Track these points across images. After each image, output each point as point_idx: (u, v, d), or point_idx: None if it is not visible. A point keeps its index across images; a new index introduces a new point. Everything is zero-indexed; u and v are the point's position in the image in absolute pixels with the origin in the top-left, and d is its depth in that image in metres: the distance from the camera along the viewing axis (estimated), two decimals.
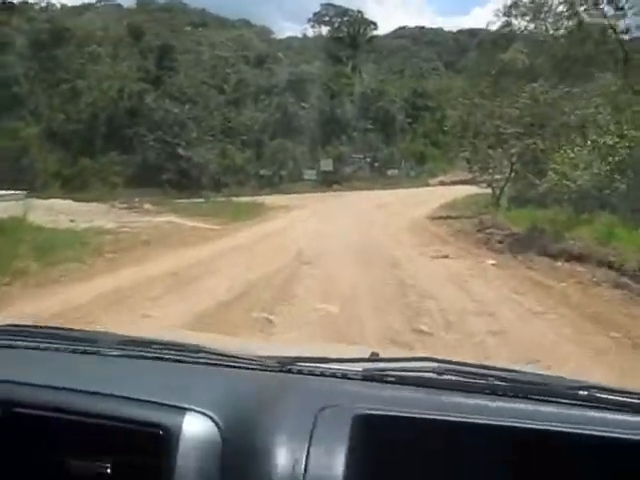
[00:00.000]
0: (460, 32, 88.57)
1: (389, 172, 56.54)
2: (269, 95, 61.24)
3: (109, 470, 1.44)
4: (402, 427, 1.45)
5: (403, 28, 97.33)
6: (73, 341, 1.83)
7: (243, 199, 39.38)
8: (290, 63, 66.87)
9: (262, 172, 54.21)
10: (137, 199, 30.58)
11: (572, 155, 17.64)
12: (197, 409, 1.44)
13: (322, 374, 1.68)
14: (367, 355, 1.89)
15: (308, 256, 14.80)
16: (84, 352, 1.78)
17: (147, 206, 27.46)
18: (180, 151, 52.39)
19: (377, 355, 1.90)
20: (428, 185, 54.25)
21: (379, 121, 59.95)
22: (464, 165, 55.52)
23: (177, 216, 24.01)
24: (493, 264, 13.83)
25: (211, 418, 1.43)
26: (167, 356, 1.75)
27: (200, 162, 52.33)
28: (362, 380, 1.64)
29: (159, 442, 1.38)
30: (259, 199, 39.70)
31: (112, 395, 1.49)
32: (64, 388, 1.52)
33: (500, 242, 16.50)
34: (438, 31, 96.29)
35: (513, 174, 28.07)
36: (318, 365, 1.71)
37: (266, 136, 57.26)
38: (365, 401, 1.51)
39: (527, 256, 14.16)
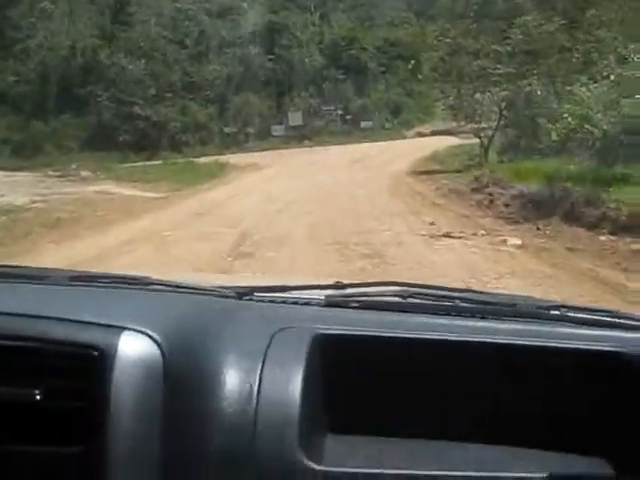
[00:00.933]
0: None
1: (362, 124, 52.94)
2: (233, 47, 57.29)
3: (38, 396, 1.28)
4: (364, 346, 1.41)
5: None
6: (23, 277, 1.75)
7: (205, 159, 36.44)
8: (255, 14, 63.04)
9: (227, 130, 50.75)
10: (75, 165, 26.87)
11: (588, 94, 14.19)
12: (136, 328, 1.35)
13: (282, 302, 1.62)
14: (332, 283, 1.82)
15: (256, 243, 11.11)
16: (34, 286, 1.67)
17: (85, 173, 23.87)
18: (137, 110, 48.78)
19: (341, 283, 1.80)
20: (405, 137, 51.20)
21: (350, 70, 56.13)
22: (442, 115, 54.23)
23: (117, 184, 20.67)
24: (519, 246, 9.96)
25: (151, 337, 1.34)
26: (118, 287, 1.69)
27: (159, 121, 48.92)
28: (324, 306, 1.58)
29: (93, 364, 1.29)
30: (223, 159, 36.76)
31: (41, 317, 1.38)
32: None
33: (507, 205, 13.06)
34: None
35: (503, 121, 24.77)
36: (279, 294, 1.65)
37: (230, 91, 53.53)
38: (326, 323, 1.44)
39: (556, 228, 10.67)
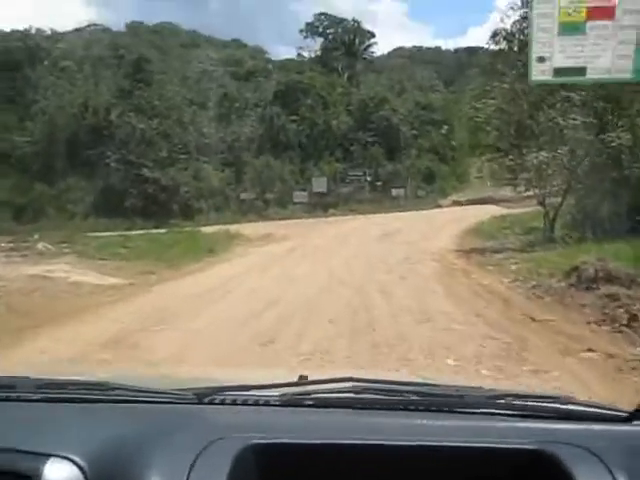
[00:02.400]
0: (458, 50, 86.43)
1: (394, 192, 48.14)
2: (254, 109, 53.29)
3: None
4: (304, 453, 1.43)
5: (400, 48, 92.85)
6: None
7: (212, 229, 31.46)
8: (280, 75, 59.38)
9: (244, 195, 46.08)
10: (36, 235, 21.94)
11: None
12: (61, 454, 1.35)
13: (243, 403, 1.64)
14: (295, 378, 1.83)
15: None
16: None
17: (42, 246, 18.86)
18: (146, 172, 44.39)
19: (305, 377, 1.82)
20: (440, 206, 46.58)
21: (380, 133, 51.74)
22: (476, 182, 52.11)
23: (77, 262, 15.81)
24: None
25: (76, 463, 1.34)
26: (81, 396, 1.69)
27: (169, 185, 44.52)
28: (280, 406, 1.62)
29: None
30: (234, 228, 31.57)
31: None
32: None
33: None
34: (436, 50, 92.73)
35: (576, 184, 19.64)
36: (239, 393, 1.67)
37: (250, 154, 49.21)
38: (274, 429, 1.48)
39: None
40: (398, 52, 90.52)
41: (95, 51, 55.95)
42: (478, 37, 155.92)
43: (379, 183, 49.11)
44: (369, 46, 71.27)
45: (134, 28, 71.30)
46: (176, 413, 1.62)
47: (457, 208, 43.95)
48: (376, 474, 1.42)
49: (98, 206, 44.71)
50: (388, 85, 63.00)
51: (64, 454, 1.34)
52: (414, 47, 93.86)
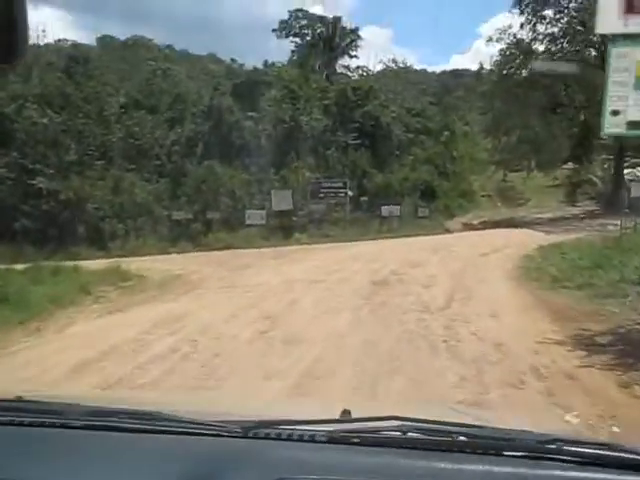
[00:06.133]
0: (443, 73, 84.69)
1: (385, 210, 35.36)
2: (201, 103, 41.04)
3: None
4: None
5: (386, 69, 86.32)
6: (35, 413, 1.80)
7: (98, 264, 20.29)
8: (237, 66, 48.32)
9: (177, 215, 33.34)
10: None
11: None
12: None
13: (288, 438, 1.65)
14: (338, 412, 1.85)
15: None
16: (50, 425, 1.75)
17: None
18: (40, 182, 31.89)
19: (348, 413, 1.85)
20: (448, 231, 34.38)
21: (366, 134, 39.56)
22: (484, 202, 47.21)
23: None
24: None
25: None
26: (131, 426, 1.73)
27: (72, 199, 31.93)
28: (327, 443, 1.62)
29: None
30: (137, 264, 20.39)
31: None
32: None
33: None
34: (421, 72, 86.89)
35: None
36: (285, 427, 1.68)
37: (191, 160, 36.62)
38: (325, 468, 1.49)
39: None
40: (383, 72, 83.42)
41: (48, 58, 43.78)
42: (462, 62, 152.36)
43: (364, 198, 36.35)
44: (352, 42, 60.00)
45: (104, 43, 62.41)
46: (226, 447, 1.62)
47: (472, 233, 32.10)
48: None
49: None
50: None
51: None
52: (400, 68, 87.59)
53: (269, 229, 32.90)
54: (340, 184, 35.11)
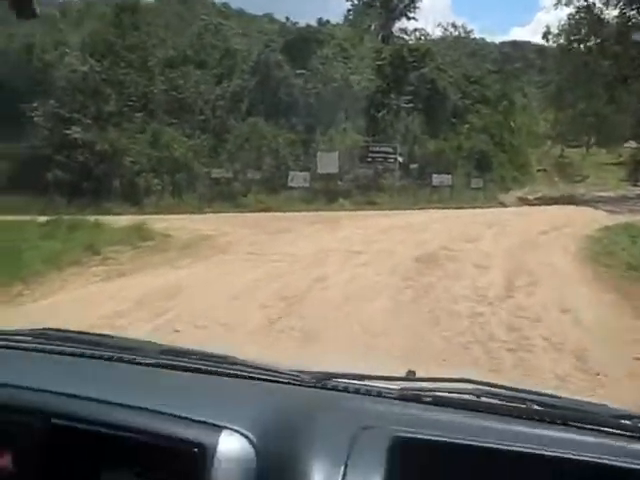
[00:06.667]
0: (503, 44, 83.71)
1: (436, 179, 33.29)
2: (249, 60, 39.27)
3: None
4: (440, 451, 1.41)
5: (444, 38, 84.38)
6: (110, 348, 1.83)
7: (126, 222, 18.38)
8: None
9: (216, 173, 31.68)
10: None
11: None
12: (233, 427, 1.39)
13: (358, 392, 1.64)
14: (403, 373, 1.81)
15: None
16: (120, 360, 1.77)
17: None
18: (75, 133, 30.55)
19: (414, 373, 1.81)
20: (503, 205, 32.43)
21: (420, 98, 37.35)
22: (540, 177, 45.64)
23: None
24: None
25: (247, 437, 1.38)
26: (205, 367, 1.73)
27: (108, 152, 30.61)
28: (398, 399, 1.60)
29: (194, 461, 1.34)
30: (177, 222, 20.06)
31: (147, 409, 1.45)
32: (100, 400, 1.48)
33: None
34: (480, 41, 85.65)
35: None
36: (354, 382, 1.67)
37: (235, 116, 34.91)
38: (402, 423, 1.45)
39: None
40: (442, 38, 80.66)
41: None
42: (522, 35, 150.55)
43: (415, 166, 34.20)
44: (410, 4, 57.19)
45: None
46: (301, 395, 1.62)
47: (529, 209, 30.22)
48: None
49: (12, 178, 30.58)
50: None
51: (235, 427, 1.37)
52: (459, 36, 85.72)
53: (312, 193, 31.05)
54: (390, 149, 32.98)
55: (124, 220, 18.88)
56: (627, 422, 1.48)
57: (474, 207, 28.77)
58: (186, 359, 1.75)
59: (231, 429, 1.37)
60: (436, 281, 10.32)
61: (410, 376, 1.78)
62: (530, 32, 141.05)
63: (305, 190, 31.17)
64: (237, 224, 20.23)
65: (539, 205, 31.82)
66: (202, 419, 1.40)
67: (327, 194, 30.72)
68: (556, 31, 39.37)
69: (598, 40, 35.42)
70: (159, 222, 18.51)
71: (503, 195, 35.23)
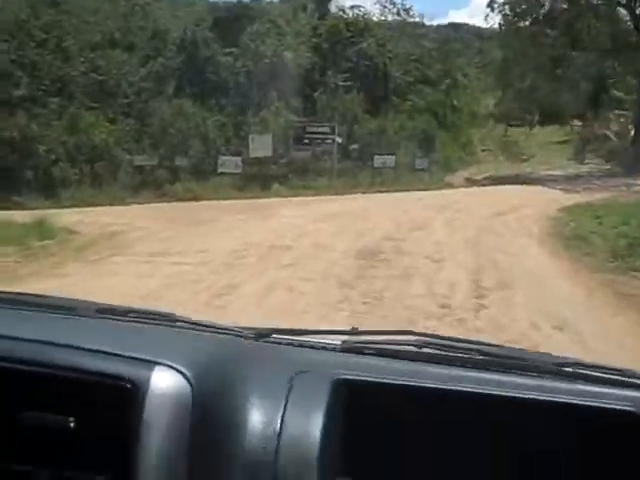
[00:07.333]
0: (441, 26, 78.13)
1: (377, 160, 31.17)
2: (174, 36, 36.95)
3: (72, 424, 1.34)
4: (381, 393, 1.44)
5: (381, 22, 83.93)
6: (50, 307, 1.78)
7: (32, 216, 16.47)
8: None
9: (139, 160, 29.15)
10: None
11: None
12: (168, 363, 1.37)
13: (302, 345, 1.65)
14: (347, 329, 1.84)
15: None
16: (62, 317, 1.72)
17: None
18: None
19: (357, 329, 1.83)
20: (450, 186, 30.49)
21: (359, 75, 35.22)
22: (484, 156, 43.46)
23: None
24: None
25: (182, 373, 1.36)
26: (144, 322, 1.72)
27: (17, 140, 27.79)
28: (341, 352, 1.62)
29: (127, 396, 1.31)
30: (81, 216, 18.13)
31: (78, 348, 1.42)
32: (30, 339, 1.45)
33: None
34: (419, 24, 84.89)
35: None
36: (296, 337, 1.69)
37: (160, 98, 32.41)
38: (343, 368, 1.48)
39: None
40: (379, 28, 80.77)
41: None
42: (459, 17, 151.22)
43: (355, 147, 32.05)
44: None
45: None
46: (241, 347, 1.61)
47: (478, 189, 28.63)
48: (453, 420, 1.41)
49: None
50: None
51: (170, 363, 1.35)
52: (395, 20, 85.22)
53: (245, 178, 28.72)
54: (327, 129, 30.68)
55: (26, 216, 16.75)
56: (568, 369, 1.51)
57: (420, 189, 26.98)
58: (125, 316, 1.71)
59: (166, 365, 1.34)
60: (383, 287, 8.11)
61: (353, 330, 1.78)
62: (467, 15, 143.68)
63: (237, 176, 28.85)
64: (155, 216, 18.15)
65: (488, 185, 30.24)
66: (135, 356, 1.36)
67: (261, 179, 28.44)
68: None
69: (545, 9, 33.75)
70: (72, 216, 17.23)
71: (449, 176, 33.47)
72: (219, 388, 1.35)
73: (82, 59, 33.29)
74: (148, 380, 1.30)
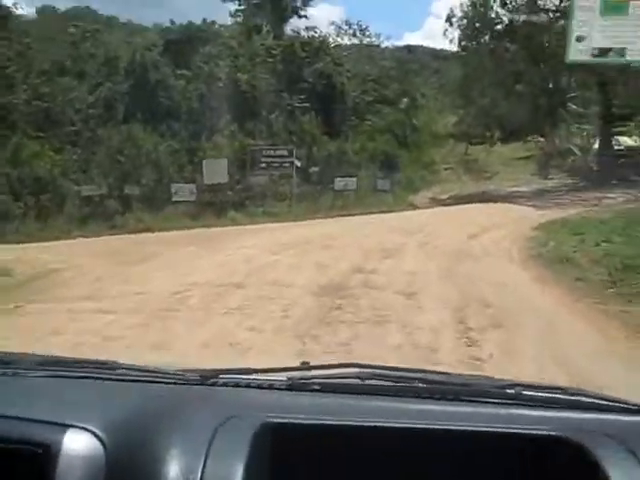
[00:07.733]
0: (397, 48, 78.51)
1: (339, 183, 29.82)
2: (124, 61, 35.58)
3: None
4: (314, 435, 1.41)
5: (338, 45, 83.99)
6: None
7: None
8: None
9: (86, 191, 27.53)
10: None
11: None
12: (80, 425, 1.36)
13: (246, 385, 1.64)
14: (297, 365, 1.81)
15: None
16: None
17: None
18: None
19: (307, 363, 1.82)
20: (414, 207, 29.42)
21: (316, 97, 33.99)
22: (447, 175, 42.84)
23: None
24: None
25: (95, 435, 1.34)
26: (81, 374, 1.68)
27: None
28: (285, 390, 1.60)
29: (39, 461, 1.30)
30: (12, 254, 16.27)
31: None
32: None
33: None
34: (375, 48, 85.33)
35: None
36: (243, 377, 1.67)
37: (109, 124, 30.94)
38: (282, 410, 1.47)
39: None
40: (336, 48, 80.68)
41: None
42: (414, 40, 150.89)
43: (314, 170, 30.73)
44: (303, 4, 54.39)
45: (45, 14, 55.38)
46: (184, 393, 1.59)
47: (445, 209, 27.53)
48: (388, 457, 1.40)
49: None
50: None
51: (82, 425, 1.33)
52: (353, 45, 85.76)
53: (200, 206, 27.23)
54: (285, 152, 29.29)
55: None
56: (511, 391, 1.52)
57: (383, 211, 25.82)
58: (69, 368, 1.68)
59: (78, 427, 1.32)
60: (351, 336, 6.64)
61: (301, 366, 1.75)
62: (422, 37, 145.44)
63: (191, 204, 27.37)
64: (99, 251, 16.79)
65: (453, 205, 29.25)
66: (48, 419, 1.34)
67: (216, 207, 26.99)
68: (460, 14, 36.73)
69: (505, 24, 32.95)
70: (10, 253, 15.94)
71: (413, 196, 32.33)
72: (137, 443, 1.30)
73: (25, 87, 31.82)
74: (60, 444, 1.28)
